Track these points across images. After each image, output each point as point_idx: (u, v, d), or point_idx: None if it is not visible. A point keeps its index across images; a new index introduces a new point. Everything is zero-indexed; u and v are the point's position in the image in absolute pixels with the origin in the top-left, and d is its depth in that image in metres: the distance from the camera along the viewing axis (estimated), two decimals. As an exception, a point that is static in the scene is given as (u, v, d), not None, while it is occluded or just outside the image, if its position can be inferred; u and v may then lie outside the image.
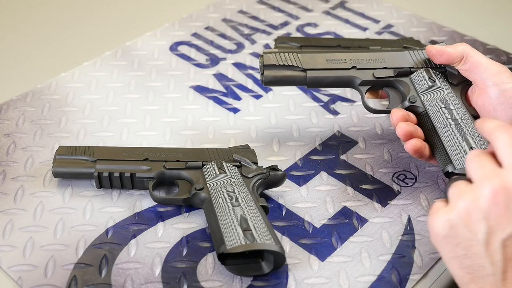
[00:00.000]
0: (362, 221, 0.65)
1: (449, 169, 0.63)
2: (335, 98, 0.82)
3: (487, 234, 0.50)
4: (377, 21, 0.98)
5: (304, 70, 0.70)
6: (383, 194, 0.68)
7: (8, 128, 0.77)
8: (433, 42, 0.92)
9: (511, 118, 0.63)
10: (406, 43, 0.85)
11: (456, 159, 0.63)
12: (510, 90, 0.63)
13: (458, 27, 0.97)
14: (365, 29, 0.96)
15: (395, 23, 0.97)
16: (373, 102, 0.81)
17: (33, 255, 0.61)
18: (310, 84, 0.70)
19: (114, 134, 0.76)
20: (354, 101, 0.81)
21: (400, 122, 0.65)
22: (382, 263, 0.61)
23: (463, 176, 0.55)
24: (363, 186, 0.69)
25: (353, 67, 0.70)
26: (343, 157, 0.73)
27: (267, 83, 0.71)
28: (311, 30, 0.96)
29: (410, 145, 0.65)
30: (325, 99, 0.82)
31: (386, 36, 0.94)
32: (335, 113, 0.80)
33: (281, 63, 0.70)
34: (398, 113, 0.66)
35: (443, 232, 0.52)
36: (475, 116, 0.67)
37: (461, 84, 0.69)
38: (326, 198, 0.68)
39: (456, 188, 0.53)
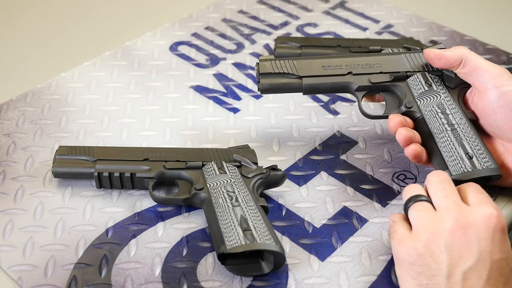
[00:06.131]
0: (362, 221, 0.65)
1: None
2: (335, 98, 0.82)
3: (449, 266, 0.52)
4: (377, 21, 0.98)
5: (300, 77, 0.70)
6: (383, 194, 0.68)
7: (8, 128, 0.77)
8: (433, 42, 0.92)
9: (510, 121, 0.63)
10: (406, 43, 0.85)
11: (452, 165, 0.63)
12: (510, 92, 0.63)
13: (458, 27, 0.97)
14: (365, 29, 0.96)
15: (395, 23, 0.97)
16: (372, 105, 0.81)
17: (33, 255, 0.61)
18: (306, 91, 0.70)
19: (114, 134, 0.76)
20: (354, 101, 0.81)
21: (400, 128, 0.66)
22: (382, 263, 0.61)
23: (421, 196, 0.58)
24: (363, 186, 0.69)
25: (349, 73, 0.70)
26: (343, 157, 0.73)
27: (263, 91, 0.71)
28: (311, 30, 0.96)
29: (410, 150, 0.65)
30: (325, 99, 0.82)
31: (386, 36, 0.94)
32: (335, 113, 0.80)
33: (277, 71, 0.70)
34: (395, 119, 0.67)
35: (409, 260, 0.54)
36: (472, 119, 0.67)
37: (459, 87, 0.69)
38: (326, 198, 0.68)
39: (419, 215, 0.56)
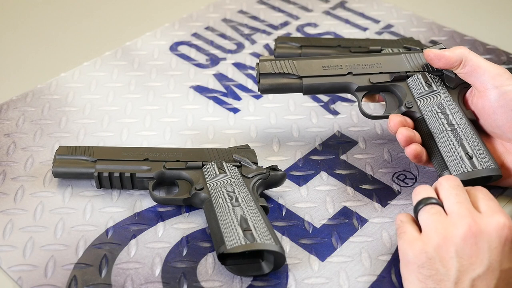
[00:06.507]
0: (362, 221, 0.65)
1: (446, 175, 0.63)
2: (335, 98, 0.82)
3: (458, 272, 0.52)
4: (377, 21, 0.98)
5: (300, 78, 0.70)
6: (383, 194, 0.68)
7: (8, 128, 0.77)
8: (433, 42, 0.92)
9: (510, 121, 0.63)
10: (406, 43, 0.85)
11: (452, 165, 0.63)
12: (510, 92, 0.63)
13: (458, 27, 0.97)
14: (365, 29, 0.96)
15: (395, 23, 0.97)
16: (372, 105, 0.81)
17: (33, 255, 0.61)
18: (306, 91, 0.70)
19: (114, 134, 0.76)
20: (354, 101, 0.81)
21: (400, 127, 0.66)
22: (382, 263, 0.61)
23: (432, 199, 0.57)
24: (363, 186, 0.69)
25: (349, 73, 0.70)
26: (343, 157, 0.73)
27: (263, 91, 0.71)
28: (311, 30, 0.96)
29: (411, 150, 0.65)
30: (325, 99, 0.82)
31: (386, 36, 0.94)
32: (335, 113, 0.80)
33: (277, 71, 0.70)
34: (395, 119, 0.67)
35: (418, 262, 0.54)
36: (472, 119, 0.67)
37: (459, 87, 0.69)
38: (326, 198, 0.68)
39: (431, 219, 0.55)
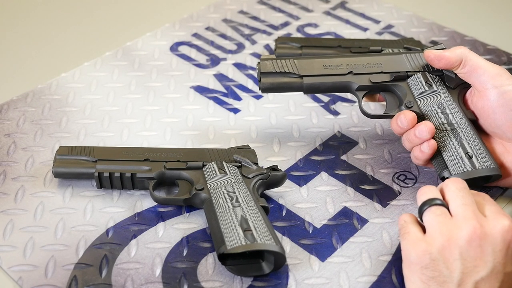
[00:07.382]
0: (363, 221, 0.65)
1: (445, 174, 0.64)
2: (335, 99, 0.82)
3: (462, 274, 0.52)
4: (377, 22, 0.98)
5: (301, 77, 0.70)
6: (383, 195, 0.68)
7: (9, 128, 0.77)
8: (434, 42, 0.92)
9: (510, 120, 0.63)
10: (406, 44, 0.85)
11: (452, 165, 0.63)
12: (510, 92, 0.63)
13: (458, 27, 0.97)
14: (365, 29, 0.96)
15: (396, 24, 0.97)
16: (372, 105, 0.81)
17: (33, 255, 0.61)
18: (307, 90, 0.70)
19: (115, 135, 0.76)
20: (354, 102, 0.81)
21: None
22: (383, 263, 0.61)
23: (437, 200, 0.56)
24: (363, 187, 0.69)
25: (350, 72, 0.70)
26: (343, 157, 0.73)
27: (264, 90, 0.71)
28: (311, 31, 0.96)
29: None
30: (326, 99, 0.82)
31: (386, 37, 0.94)
32: (335, 113, 0.80)
33: (278, 70, 0.70)
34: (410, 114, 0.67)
35: (422, 263, 0.54)
36: (472, 119, 0.67)
37: (459, 87, 0.69)
38: (327, 199, 0.68)
39: (436, 220, 0.55)
